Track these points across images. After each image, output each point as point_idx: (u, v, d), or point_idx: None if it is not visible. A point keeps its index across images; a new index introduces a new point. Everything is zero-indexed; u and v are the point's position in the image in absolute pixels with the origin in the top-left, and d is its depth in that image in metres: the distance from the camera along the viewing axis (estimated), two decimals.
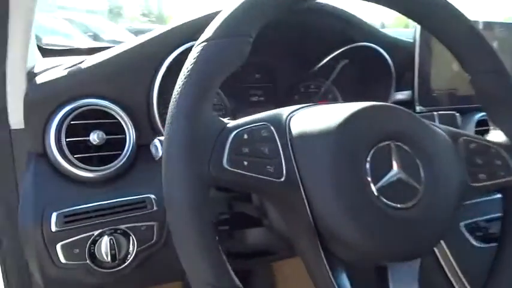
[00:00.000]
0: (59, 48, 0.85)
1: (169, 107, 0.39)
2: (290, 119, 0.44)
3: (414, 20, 0.51)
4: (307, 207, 0.40)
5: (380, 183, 0.40)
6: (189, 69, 0.39)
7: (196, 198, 0.37)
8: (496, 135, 0.50)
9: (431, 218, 0.41)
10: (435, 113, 0.77)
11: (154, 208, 0.60)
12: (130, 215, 0.59)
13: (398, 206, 0.40)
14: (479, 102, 0.52)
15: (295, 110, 0.45)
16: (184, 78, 0.39)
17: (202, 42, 0.40)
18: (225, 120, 0.42)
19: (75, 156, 0.58)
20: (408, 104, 0.81)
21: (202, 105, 0.39)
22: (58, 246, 0.56)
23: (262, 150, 0.40)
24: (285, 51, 0.82)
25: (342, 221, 0.39)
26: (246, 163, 0.39)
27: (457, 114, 0.77)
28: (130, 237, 0.59)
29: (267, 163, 0.40)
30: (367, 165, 0.40)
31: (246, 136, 0.40)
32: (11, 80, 0.61)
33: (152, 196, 0.61)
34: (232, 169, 0.38)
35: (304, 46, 0.80)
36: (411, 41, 0.82)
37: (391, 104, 0.45)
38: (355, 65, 0.82)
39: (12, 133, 0.61)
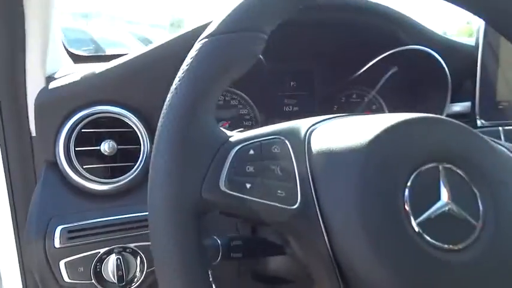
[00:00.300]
0: (95, 54, 0.84)
1: (162, 111, 0.33)
2: (311, 133, 0.36)
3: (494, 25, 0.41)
4: (327, 242, 0.32)
5: (423, 217, 0.31)
6: (186, 67, 0.33)
7: (180, 229, 0.30)
8: None
9: (491, 264, 0.31)
10: (500, 128, 0.65)
11: None
12: (141, 232, 0.54)
13: (446, 246, 0.31)
14: None
15: (318, 122, 0.37)
16: (180, 79, 0.33)
17: (203, 39, 0.34)
18: (230, 132, 0.35)
19: (84, 167, 0.54)
20: (467, 117, 0.70)
21: (199, 110, 0.32)
22: (61, 264, 0.51)
23: (272, 169, 0.33)
24: (324, 56, 0.74)
25: (370, 263, 0.30)
26: (248, 186, 0.32)
27: None
28: (140, 257, 0.54)
29: (278, 186, 0.32)
30: (407, 193, 0.31)
31: (252, 152, 0.33)
32: (29, 85, 0.59)
33: None
34: (231, 192, 0.31)
35: (347, 49, 0.71)
36: (472, 44, 0.71)
37: (441, 117, 0.35)
38: (405, 71, 0.72)
39: (33, 140, 0.59)
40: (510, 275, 0.31)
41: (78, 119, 0.54)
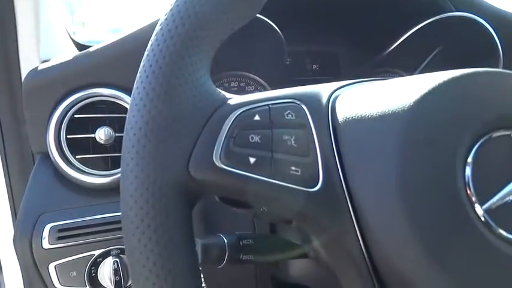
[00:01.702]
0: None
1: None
2: (336, 98, 0.28)
3: None
4: (359, 237, 0.24)
5: (491, 202, 0.22)
6: (172, 6, 0.26)
7: (160, 221, 0.23)
8: None
9: None
10: None
11: None
12: None
13: None
14: None
15: (343, 86, 0.29)
16: (162, 23, 0.25)
17: None
18: (230, 94, 0.27)
19: (77, 157, 0.47)
20: None
21: (187, 61, 0.24)
22: (51, 267, 0.45)
23: (284, 140, 0.25)
24: (350, 32, 0.65)
25: (420, 265, 0.22)
26: (253, 160, 0.24)
27: None
28: None
29: (292, 162, 0.24)
30: (468, 171, 0.23)
31: (258, 117, 0.25)
32: (24, 71, 0.54)
33: None
34: (228, 168, 0.24)
35: (376, 22, 0.62)
36: None
37: (510, 71, 0.27)
38: (448, 48, 0.62)
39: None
40: None
41: (71, 103, 0.48)
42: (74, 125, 0.48)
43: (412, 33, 0.59)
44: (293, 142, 0.25)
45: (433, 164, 0.23)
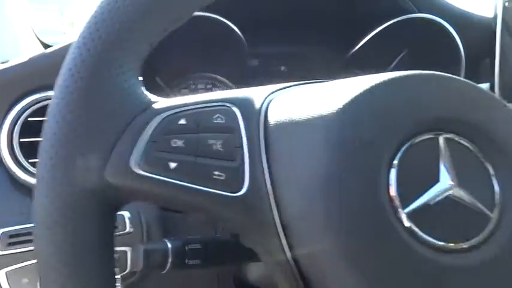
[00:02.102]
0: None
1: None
2: (270, 102, 0.27)
3: None
4: (284, 242, 0.24)
5: (415, 205, 0.22)
6: (96, 9, 0.25)
7: (71, 229, 0.22)
8: None
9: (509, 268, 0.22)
10: None
11: (128, 229, 0.47)
12: None
13: (449, 245, 0.22)
14: None
15: (280, 89, 0.29)
16: (87, 24, 0.25)
17: None
18: (158, 98, 0.27)
19: (30, 161, 0.46)
20: None
21: (110, 65, 0.24)
22: (1, 273, 0.44)
23: (209, 144, 0.24)
24: (316, 34, 0.65)
25: (342, 273, 0.22)
26: (173, 165, 0.23)
27: None
28: None
29: (215, 166, 0.24)
30: (393, 173, 0.22)
31: (183, 121, 0.25)
32: None
33: (126, 214, 0.47)
34: (145, 174, 0.23)
35: (340, 24, 0.62)
36: (491, 17, 0.62)
37: (440, 73, 0.26)
38: (413, 50, 0.62)
39: None
40: None
41: (24, 106, 0.47)
42: (28, 129, 0.47)
43: (377, 34, 0.60)
44: (219, 146, 0.24)
45: (358, 167, 0.22)
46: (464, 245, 0.22)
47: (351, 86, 0.25)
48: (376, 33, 0.59)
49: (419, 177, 0.23)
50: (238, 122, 0.25)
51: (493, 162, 0.24)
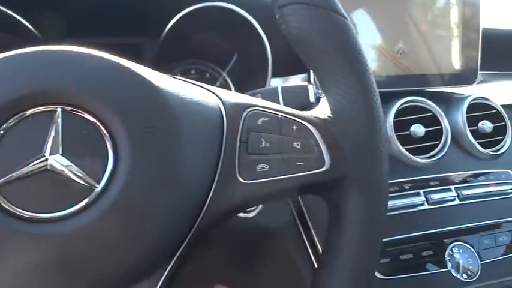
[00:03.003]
0: None
1: None
2: None
3: None
4: None
5: (7, 179, 0.23)
6: None
7: None
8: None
9: (95, 240, 0.23)
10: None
11: None
12: None
13: (43, 216, 0.23)
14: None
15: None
16: None
17: None
18: None
19: None
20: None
21: None
22: None
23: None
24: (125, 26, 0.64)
25: None
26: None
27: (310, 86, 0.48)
28: None
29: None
30: None
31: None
32: None
33: None
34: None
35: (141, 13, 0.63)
36: None
37: (70, 47, 0.26)
38: (220, 35, 0.64)
39: None
40: (108, 257, 0.24)
41: None
42: None
43: (178, 25, 0.60)
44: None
45: None
46: (58, 214, 0.23)
47: None
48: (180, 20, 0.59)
49: (22, 150, 0.23)
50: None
51: (112, 135, 0.24)
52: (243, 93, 0.36)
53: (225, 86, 0.70)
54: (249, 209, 0.54)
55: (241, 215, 0.55)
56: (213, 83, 0.70)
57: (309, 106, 0.44)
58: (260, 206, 0.55)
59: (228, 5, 0.58)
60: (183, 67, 0.70)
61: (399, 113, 0.60)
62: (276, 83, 0.62)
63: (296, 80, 0.64)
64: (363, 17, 0.61)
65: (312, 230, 0.54)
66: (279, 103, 0.44)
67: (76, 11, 0.60)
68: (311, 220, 0.55)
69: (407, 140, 0.60)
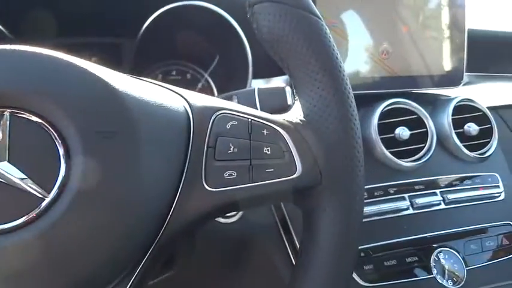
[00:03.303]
0: None
1: None
2: None
3: None
4: None
5: None
6: None
7: None
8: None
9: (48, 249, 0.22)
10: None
11: None
12: None
13: None
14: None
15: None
16: None
17: None
18: None
19: None
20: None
21: None
22: None
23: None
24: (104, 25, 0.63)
25: None
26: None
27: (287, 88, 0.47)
28: None
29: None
30: None
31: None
32: None
33: None
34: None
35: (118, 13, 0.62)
36: None
37: (20, 47, 0.25)
38: (201, 36, 0.63)
39: None
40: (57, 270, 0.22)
41: None
42: None
43: (155, 24, 0.59)
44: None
45: None
46: (5, 226, 0.22)
47: None
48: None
49: None
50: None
51: (64, 140, 0.23)
52: None
53: (207, 88, 0.69)
54: (229, 215, 0.53)
55: (222, 220, 0.54)
56: (194, 84, 0.69)
57: (286, 109, 0.42)
58: (241, 212, 0.54)
59: (205, 4, 0.57)
60: (164, 68, 0.69)
61: (383, 115, 0.59)
62: (258, 84, 0.61)
63: (278, 82, 0.62)
64: (352, 18, 0.60)
65: (294, 235, 0.53)
66: (255, 105, 0.43)
67: (54, 10, 0.58)
68: (293, 225, 0.54)
69: (391, 143, 0.58)
